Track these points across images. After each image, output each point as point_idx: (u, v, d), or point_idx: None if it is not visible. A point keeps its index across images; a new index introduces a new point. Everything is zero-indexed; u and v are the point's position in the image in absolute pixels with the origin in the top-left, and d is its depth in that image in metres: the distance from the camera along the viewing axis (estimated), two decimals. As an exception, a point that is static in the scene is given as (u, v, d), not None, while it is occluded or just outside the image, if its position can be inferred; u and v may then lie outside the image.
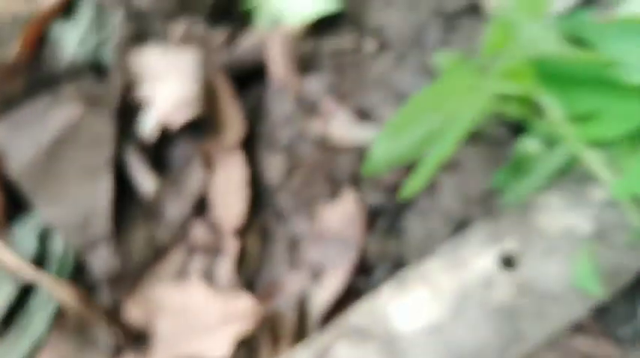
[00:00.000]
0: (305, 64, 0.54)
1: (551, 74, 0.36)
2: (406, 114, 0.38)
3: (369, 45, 0.53)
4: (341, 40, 0.54)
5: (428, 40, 0.50)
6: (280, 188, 0.52)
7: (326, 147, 0.51)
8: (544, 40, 0.34)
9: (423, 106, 0.38)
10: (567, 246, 0.37)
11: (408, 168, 0.49)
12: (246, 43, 0.53)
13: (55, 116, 0.45)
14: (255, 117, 0.53)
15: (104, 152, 0.45)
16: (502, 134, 0.45)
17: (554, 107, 0.36)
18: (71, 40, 0.52)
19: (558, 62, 0.36)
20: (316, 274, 0.49)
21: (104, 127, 0.46)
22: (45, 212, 0.45)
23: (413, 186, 0.37)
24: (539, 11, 0.35)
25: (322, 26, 0.54)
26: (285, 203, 0.51)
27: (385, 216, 0.49)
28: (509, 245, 0.37)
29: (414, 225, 0.48)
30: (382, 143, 0.40)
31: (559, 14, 0.45)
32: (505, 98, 0.38)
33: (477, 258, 0.37)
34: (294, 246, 0.50)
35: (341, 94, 0.52)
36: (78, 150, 0.45)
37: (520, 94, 0.37)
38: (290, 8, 0.53)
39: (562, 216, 0.37)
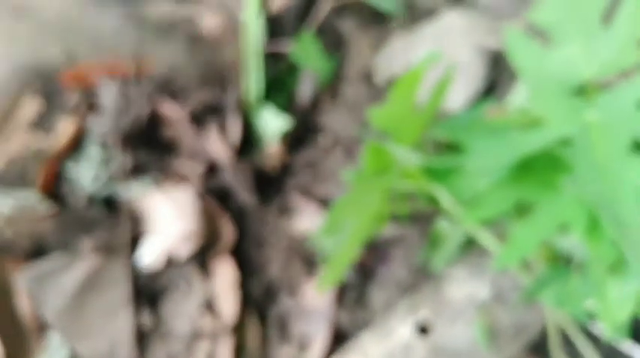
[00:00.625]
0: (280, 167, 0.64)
1: (435, 172, 0.45)
2: (333, 217, 0.47)
3: (324, 141, 0.63)
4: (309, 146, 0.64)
5: (368, 136, 0.59)
6: (268, 275, 0.61)
7: (300, 235, 0.61)
8: (409, 158, 0.43)
9: (345, 209, 0.47)
10: (470, 310, 0.44)
11: (368, 248, 0.58)
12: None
13: (77, 268, 0.56)
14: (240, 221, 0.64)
15: (123, 291, 0.56)
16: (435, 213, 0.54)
17: (444, 197, 0.45)
18: (86, 177, 0.64)
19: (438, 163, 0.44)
20: (303, 345, 0.58)
21: (121, 271, 0.57)
22: (76, 346, 0.56)
23: (325, 282, 0.46)
24: (412, 138, 0.44)
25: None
26: (273, 286, 0.61)
27: (353, 290, 0.58)
28: (424, 314, 0.45)
29: (375, 294, 0.56)
30: (322, 241, 0.49)
31: (460, 106, 0.54)
32: (411, 193, 0.47)
33: (399, 328, 0.46)
34: (283, 322, 0.60)
35: (306, 189, 0.62)
36: (100, 293, 0.56)
37: (418, 190, 0.46)
38: (267, 131, 0.64)
39: (465, 285, 0.45)
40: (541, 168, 0.41)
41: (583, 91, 0.41)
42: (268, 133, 0.64)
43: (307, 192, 0.62)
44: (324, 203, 0.61)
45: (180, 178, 0.59)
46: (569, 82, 0.41)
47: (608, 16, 0.43)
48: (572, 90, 0.41)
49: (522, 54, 0.44)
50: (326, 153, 0.63)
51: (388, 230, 0.57)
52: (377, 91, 0.61)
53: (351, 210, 0.46)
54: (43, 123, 0.73)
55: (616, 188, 0.35)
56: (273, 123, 0.63)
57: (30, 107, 0.74)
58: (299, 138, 0.65)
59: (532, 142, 0.39)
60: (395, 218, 0.56)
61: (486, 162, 0.40)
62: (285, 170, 0.64)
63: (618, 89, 0.40)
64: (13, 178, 0.69)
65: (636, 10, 0.41)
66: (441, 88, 0.45)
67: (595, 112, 0.39)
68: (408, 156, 0.42)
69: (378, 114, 0.43)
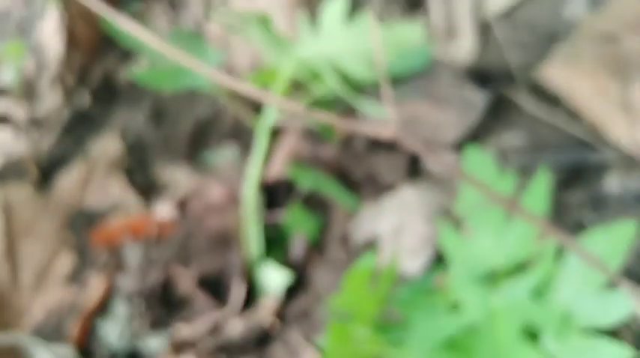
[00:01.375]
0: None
1: (390, 341, 0.58)
2: None
3: (312, 295, 0.76)
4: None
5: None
6: None
7: None
8: (364, 336, 0.56)
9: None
10: None
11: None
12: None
13: None
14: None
15: None
16: None
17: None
18: (112, 335, 0.78)
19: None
20: None
21: None
22: None
23: None
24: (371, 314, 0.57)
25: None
26: None
27: None
28: None
29: None
30: None
31: (417, 271, 0.67)
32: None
33: None
34: None
35: (302, 335, 0.75)
36: None
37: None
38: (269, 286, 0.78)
39: None
40: (462, 346, 0.53)
41: (494, 279, 0.54)
42: (270, 287, 0.78)
43: (303, 339, 0.75)
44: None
45: (189, 340, 0.73)
46: (482, 270, 0.54)
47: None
48: (485, 278, 0.54)
49: (449, 242, 0.58)
50: (315, 305, 0.76)
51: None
52: (354, 253, 0.75)
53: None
54: (76, 278, 0.87)
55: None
56: (274, 279, 0.77)
57: (66, 262, 0.88)
58: (292, 291, 0.78)
59: (451, 325, 0.52)
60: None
61: (419, 337, 0.53)
62: (281, 319, 0.77)
63: (517, 279, 0.52)
64: (50, 331, 0.83)
65: (534, 209, 0.55)
66: (390, 272, 0.59)
67: (497, 299, 0.52)
68: (363, 335, 0.55)
69: (337, 301, 0.56)
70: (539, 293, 0.51)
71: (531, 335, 0.50)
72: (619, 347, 0.49)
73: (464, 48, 0.90)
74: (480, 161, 0.58)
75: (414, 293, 0.60)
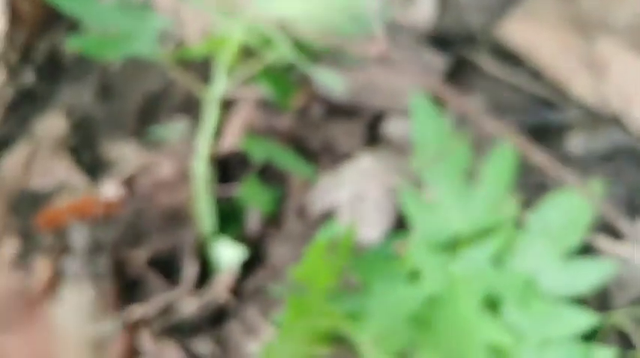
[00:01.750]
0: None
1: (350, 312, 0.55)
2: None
3: (269, 269, 0.74)
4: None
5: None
6: None
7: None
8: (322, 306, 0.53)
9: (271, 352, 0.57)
10: None
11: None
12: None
13: None
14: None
15: None
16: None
17: (356, 335, 0.55)
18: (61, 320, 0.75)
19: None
20: None
21: None
22: None
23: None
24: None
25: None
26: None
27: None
28: None
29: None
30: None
31: (375, 239, 0.65)
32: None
33: None
34: None
35: (261, 311, 0.72)
36: None
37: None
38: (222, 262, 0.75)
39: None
40: (423, 319, 0.50)
41: (455, 245, 0.51)
42: (225, 264, 0.75)
43: (260, 315, 0.72)
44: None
45: (142, 321, 0.70)
46: (444, 236, 0.52)
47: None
48: (446, 245, 0.52)
49: (412, 206, 0.55)
50: (273, 280, 0.74)
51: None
52: (312, 225, 0.72)
53: (278, 353, 0.56)
54: (21, 263, 0.83)
55: (468, 345, 0.45)
56: (229, 254, 0.74)
57: (9, 247, 0.84)
58: (249, 266, 0.75)
59: (411, 297, 0.49)
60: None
61: (378, 311, 0.50)
62: (237, 295, 0.74)
63: (478, 245, 0.50)
64: (-3, 318, 0.79)
65: (499, 173, 0.52)
66: (347, 242, 0.56)
67: (457, 268, 0.49)
68: (321, 308, 0.53)
69: (295, 274, 0.53)
70: (501, 260, 0.49)
71: (493, 304, 0.47)
72: (584, 314, 0.47)
73: (423, 11, 0.87)
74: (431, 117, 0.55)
75: (373, 260, 0.58)
